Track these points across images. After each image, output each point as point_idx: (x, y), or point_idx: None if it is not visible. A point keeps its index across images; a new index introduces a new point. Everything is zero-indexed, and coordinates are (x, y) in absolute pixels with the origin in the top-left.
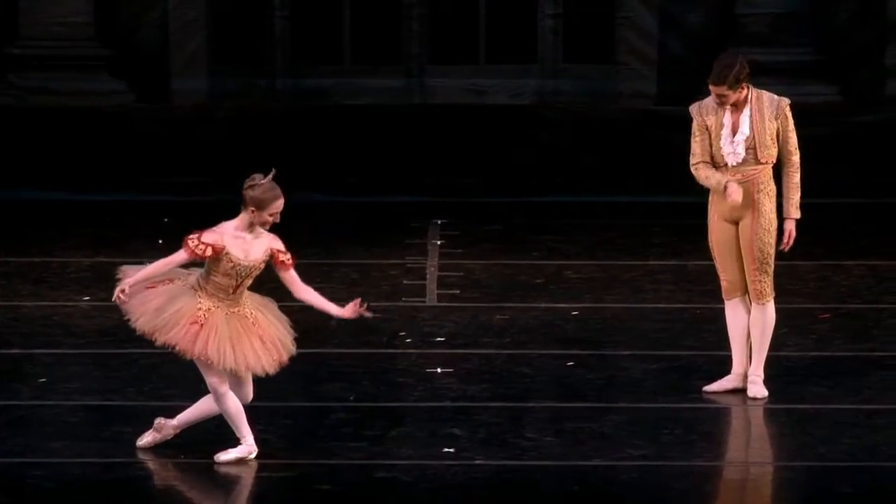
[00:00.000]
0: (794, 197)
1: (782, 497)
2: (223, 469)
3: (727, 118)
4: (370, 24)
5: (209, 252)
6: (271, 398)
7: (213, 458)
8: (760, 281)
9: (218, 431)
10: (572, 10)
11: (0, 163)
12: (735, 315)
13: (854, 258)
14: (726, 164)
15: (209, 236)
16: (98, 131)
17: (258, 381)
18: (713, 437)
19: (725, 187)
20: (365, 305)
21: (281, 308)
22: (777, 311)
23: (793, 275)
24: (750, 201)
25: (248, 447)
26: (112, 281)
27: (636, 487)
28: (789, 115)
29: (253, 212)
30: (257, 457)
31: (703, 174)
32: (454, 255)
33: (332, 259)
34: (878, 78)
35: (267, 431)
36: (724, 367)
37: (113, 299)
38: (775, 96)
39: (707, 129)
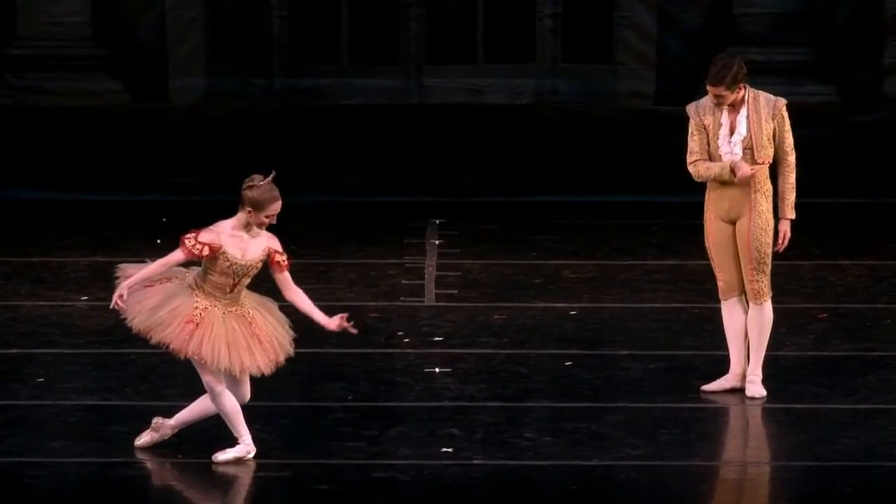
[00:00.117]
0: (790, 198)
1: (780, 497)
2: (221, 469)
3: (725, 118)
4: (368, 23)
5: (206, 251)
6: (269, 398)
7: (211, 458)
8: (758, 281)
9: (216, 431)
10: (571, 10)
11: None
12: (732, 315)
13: (852, 258)
14: None
15: (206, 235)
16: (96, 131)
17: (256, 381)
18: (711, 436)
19: (732, 168)
20: (351, 322)
21: (281, 308)
22: (775, 310)
23: (791, 274)
24: (747, 201)
25: (245, 447)
26: (110, 280)
27: (634, 487)
28: (786, 115)
29: (250, 212)
30: (255, 456)
31: (703, 167)
32: (452, 255)
33: (331, 259)
34: (876, 78)
35: (265, 431)
36: (722, 367)
37: (111, 307)
38: (772, 96)
39: (705, 128)
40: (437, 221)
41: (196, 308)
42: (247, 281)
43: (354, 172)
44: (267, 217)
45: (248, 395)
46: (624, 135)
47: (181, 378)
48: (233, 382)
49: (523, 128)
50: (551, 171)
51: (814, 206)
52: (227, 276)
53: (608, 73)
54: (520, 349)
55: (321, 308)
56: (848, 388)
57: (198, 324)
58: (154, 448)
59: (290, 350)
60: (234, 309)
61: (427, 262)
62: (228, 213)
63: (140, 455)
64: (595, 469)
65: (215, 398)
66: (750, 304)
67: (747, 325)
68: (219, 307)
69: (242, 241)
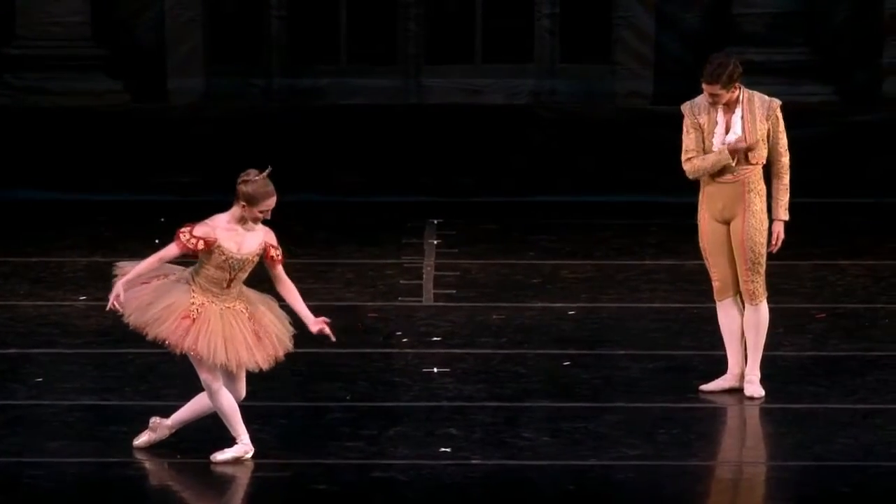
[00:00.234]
0: (783, 199)
1: (779, 497)
2: (219, 469)
3: (720, 117)
4: (366, 23)
5: (201, 245)
6: (268, 398)
7: (209, 458)
8: (753, 281)
9: (215, 431)
10: (569, 10)
11: None
12: (728, 316)
13: (850, 258)
14: None
15: (200, 229)
16: (94, 131)
17: (254, 381)
18: (709, 436)
19: (729, 148)
20: (332, 333)
21: (280, 308)
22: (773, 310)
23: (789, 274)
24: (741, 201)
25: (244, 446)
26: (109, 281)
27: (632, 487)
28: (780, 116)
29: (244, 207)
30: (253, 456)
31: (698, 161)
32: (450, 255)
33: (329, 259)
34: (875, 78)
35: (263, 431)
36: (720, 367)
37: (107, 308)
38: (766, 97)
39: (700, 127)
40: (436, 221)
41: (192, 303)
42: (244, 276)
43: (353, 172)
44: (261, 212)
45: (243, 393)
46: (622, 135)
47: (180, 378)
48: (229, 379)
49: (522, 128)
50: (549, 171)
51: (813, 206)
52: (223, 271)
53: (606, 74)
54: (518, 349)
55: (321, 308)
56: (846, 388)
57: (194, 319)
58: (152, 448)
59: (290, 346)
60: (231, 304)
61: (425, 261)
62: None
63: (138, 455)
64: (593, 469)
65: (212, 395)
66: (746, 304)
67: (744, 326)
68: (216, 303)
69: (238, 234)
